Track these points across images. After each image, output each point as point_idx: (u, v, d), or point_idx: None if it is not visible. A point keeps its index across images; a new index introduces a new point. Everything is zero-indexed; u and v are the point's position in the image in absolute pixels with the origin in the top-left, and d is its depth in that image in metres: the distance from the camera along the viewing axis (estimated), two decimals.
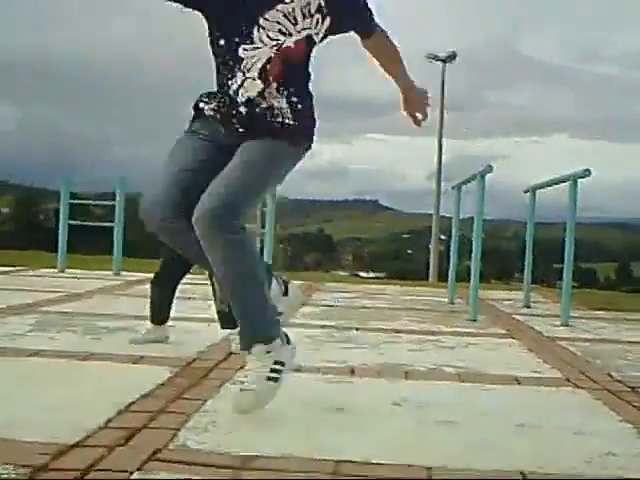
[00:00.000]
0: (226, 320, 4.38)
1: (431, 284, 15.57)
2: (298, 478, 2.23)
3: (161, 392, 3.27)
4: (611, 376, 4.12)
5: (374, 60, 3.37)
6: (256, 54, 3.00)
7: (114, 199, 11.09)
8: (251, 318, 2.96)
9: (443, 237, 31.87)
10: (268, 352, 2.94)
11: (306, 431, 2.75)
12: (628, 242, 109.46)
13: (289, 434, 2.70)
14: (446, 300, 8.37)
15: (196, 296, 7.89)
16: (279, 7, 2.97)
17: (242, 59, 3.00)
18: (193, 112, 3.16)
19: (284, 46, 3.00)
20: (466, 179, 7.90)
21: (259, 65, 3.00)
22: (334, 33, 3.13)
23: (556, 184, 7.32)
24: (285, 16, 2.98)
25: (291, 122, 3.02)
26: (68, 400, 3.07)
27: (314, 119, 3.14)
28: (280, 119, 3.02)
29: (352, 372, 3.93)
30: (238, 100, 3.02)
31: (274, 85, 3.01)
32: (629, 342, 5.65)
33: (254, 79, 2.99)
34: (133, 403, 3.03)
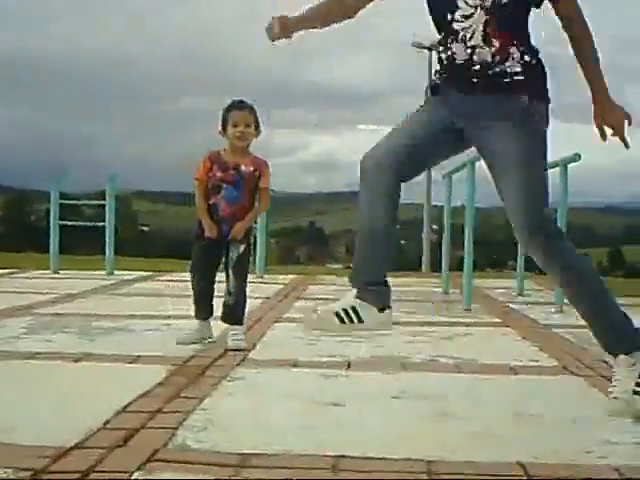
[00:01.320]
0: (228, 314, 4.43)
1: (424, 274, 15.60)
2: (297, 475, 2.23)
3: (159, 391, 3.26)
4: (607, 363, 4.12)
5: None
6: (470, 23, 2.95)
7: (103, 198, 11.06)
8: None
9: (435, 227, 31.87)
10: (633, 364, 2.97)
11: (304, 427, 2.75)
12: (619, 226, 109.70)
13: (287, 430, 2.70)
14: (440, 290, 8.39)
15: (190, 294, 7.89)
16: None
17: (456, 31, 2.97)
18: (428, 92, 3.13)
19: (496, 3, 2.92)
20: (456, 167, 7.89)
21: (478, 33, 2.95)
22: None
23: (546, 169, 7.30)
24: None
25: (523, 77, 2.97)
26: (65, 402, 3.06)
27: (544, 73, 3.05)
28: (512, 78, 2.98)
29: (348, 366, 3.93)
30: (470, 69, 2.99)
31: (500, 48, 2.96)
32: None
33: (481, 47, 2.96)
34: (131, 403, 3.03)
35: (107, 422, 2.75)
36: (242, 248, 4.48)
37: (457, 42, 2.98)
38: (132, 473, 2.20)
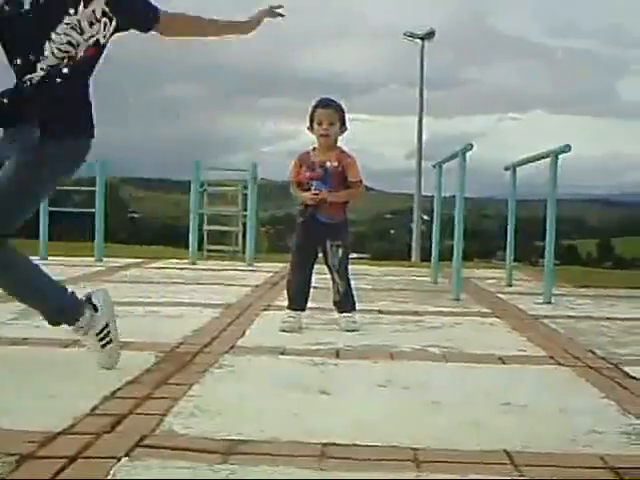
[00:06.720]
0: (342, 305, 4.80)
1: (414, 264, 15.61)
2: (285, 462, 2.24)
3: (147, 378, 3.27)
4: (594, 353, 4.15)
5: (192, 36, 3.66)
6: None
7: (91, 184, 11.04)
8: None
9: (426, 217, 31.89)
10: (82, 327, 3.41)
11: (292, 414, 2.76)
12: (608, 218, 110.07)
13: (275, 418, 2.71)
14: (429, 280, 8.40)
15: (179, 281, 7.90)
16: (66, 20, 3.15)
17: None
18: None
19: (78, 57, 3.19)
20: (447, 157, 7.89)
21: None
22: (120, 30, 3.34)
23: (536, 160, 7.32)
24: (72, 28, 3.16)
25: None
26: (53, 388, 3.06)
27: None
28: None
29: (337, 354, 3.93)
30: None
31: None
32: (611, 319, 5.68)
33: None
34: (119, 389, 3.03)
35: (95, 408, 2.75)
36: (341, 252, 4.75)
37: None
38: (120, 458, 2.20)
